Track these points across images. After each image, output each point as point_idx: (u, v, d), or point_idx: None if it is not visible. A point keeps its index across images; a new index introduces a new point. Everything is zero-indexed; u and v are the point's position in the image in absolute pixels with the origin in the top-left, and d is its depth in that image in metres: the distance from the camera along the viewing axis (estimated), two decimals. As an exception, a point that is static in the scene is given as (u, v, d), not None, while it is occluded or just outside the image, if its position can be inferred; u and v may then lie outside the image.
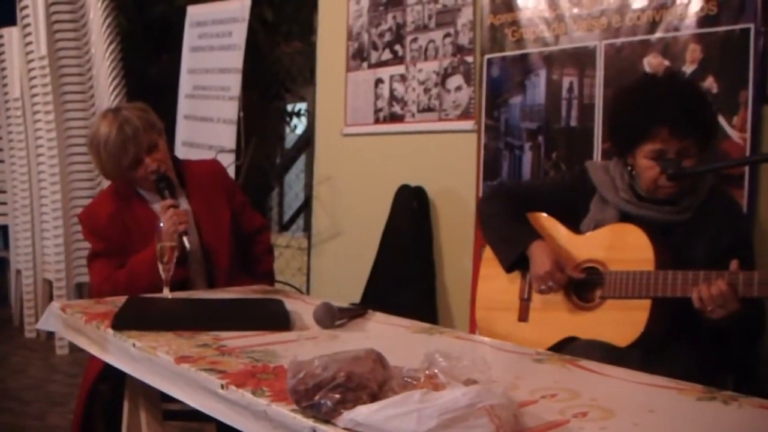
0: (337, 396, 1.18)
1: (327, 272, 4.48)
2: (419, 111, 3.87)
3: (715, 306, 1.83)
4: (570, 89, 3.20)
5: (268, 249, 2.85)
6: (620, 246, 2.10)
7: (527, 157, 3.38)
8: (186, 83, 5.10)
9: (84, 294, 4.85)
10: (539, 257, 2.16)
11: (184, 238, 2.38)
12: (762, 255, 2.57)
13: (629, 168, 2.18)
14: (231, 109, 4.69)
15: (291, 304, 2.16)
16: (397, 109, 3.99)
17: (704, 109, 2.10)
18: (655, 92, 2.09)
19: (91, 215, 2.58)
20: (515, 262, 2.24)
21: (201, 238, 2.60)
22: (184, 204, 2.60)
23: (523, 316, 2.27)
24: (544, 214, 2.31)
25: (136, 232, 2.51)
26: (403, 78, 3.95)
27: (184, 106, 5.13)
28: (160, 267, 2.18)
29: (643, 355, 1.94)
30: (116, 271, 2.47)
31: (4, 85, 5.64)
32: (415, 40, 3.89)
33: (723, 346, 2.01)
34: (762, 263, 2.52)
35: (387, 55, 4.04)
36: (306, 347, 1.74)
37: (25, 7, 5.06)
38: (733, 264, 1.86)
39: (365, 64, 4.16)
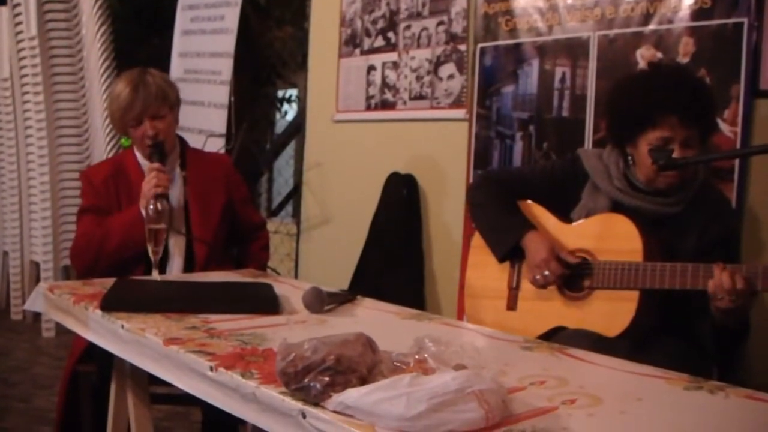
0: (327, 379, 1.18)
1: (316, 258, 4.48)
2: (411, 99, 3.87)
3: (726, 294, 1.81)
4: (562, 80, 3.20)
5: (265, 245, 2.90)
6: (609, 236, 2.10)
7: (518, 147, 3.38)
8: (177, 67, 5.07)
9: (71, 276, 4.83)
10: (534, 246, 2.15)
11: (158, 202, 2.38)
12: (752, 246, 2.59)
13: (629, 157, 2.17)
14: (222, 94, 4.66)
15: (280, 289, 2.16)
16: (388, 96, 3.98)
17: (709, 99, 2.11)
18: (665, 80, 2.09)
19: (90, 174, 2.70)
20: (508, 252, 2.24)
21: (187, 212, 2.63)
22: (177, 178, 2.63)
23: (512, 305, 2.27)
24: (534, 203, 2.30)
25: (126, 199, 2.58)
26: (395, 65, 3.94)
27: (174, 89, 5.09)
28: (150, 249, 2.19)
29: (631, 345, 1.94)
30: (95, 229, 2.53)
31: (-6, 65, 5.61)
32: (408, 27, 3.88)
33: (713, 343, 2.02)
34: (753, 254, 2.55)
35: (380, 42, 4.02)
36: (295, 331, 1.74)
37: (16, -14, 5.03)
38: (717, 266, 1.84)
39: (358, 51, 4.15)
